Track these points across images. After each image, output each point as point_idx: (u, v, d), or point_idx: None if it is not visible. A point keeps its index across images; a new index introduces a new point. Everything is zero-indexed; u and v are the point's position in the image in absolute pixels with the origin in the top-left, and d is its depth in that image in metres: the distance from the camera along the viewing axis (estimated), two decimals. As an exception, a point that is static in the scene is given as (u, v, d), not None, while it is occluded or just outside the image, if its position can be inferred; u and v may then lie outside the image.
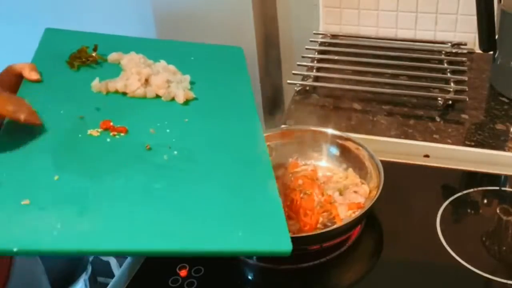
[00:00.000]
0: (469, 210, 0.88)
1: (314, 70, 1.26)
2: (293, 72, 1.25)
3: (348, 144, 0.91)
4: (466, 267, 0.76)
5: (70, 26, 1.14)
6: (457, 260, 0.77)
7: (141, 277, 0.79)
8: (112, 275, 1.50)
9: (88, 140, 0.74)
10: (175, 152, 0.76)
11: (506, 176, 0.93)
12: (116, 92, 0.89)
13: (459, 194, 0.89)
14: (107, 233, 0.62)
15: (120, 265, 0.83)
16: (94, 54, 0.98)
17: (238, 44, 1.46)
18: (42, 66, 0.86)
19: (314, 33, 1.41)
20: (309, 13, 1.43)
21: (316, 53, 1.33)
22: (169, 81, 0.92)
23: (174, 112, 0.83)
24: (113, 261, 1.81)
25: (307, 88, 1.21)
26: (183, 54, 1.06)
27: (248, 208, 0.72)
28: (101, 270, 1.78)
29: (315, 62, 1.30)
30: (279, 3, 1.47)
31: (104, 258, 1.80)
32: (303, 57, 1.31)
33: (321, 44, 1.37)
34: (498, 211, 0.86)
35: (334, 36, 1.40)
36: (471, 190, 0.90)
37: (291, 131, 0.98)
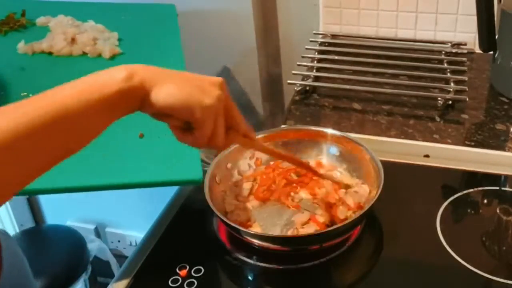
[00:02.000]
0: (469, 210, 0.88)
1: (314, 70, 1.26)
2: (293, 72, 1.25)
3: (348, 144, 0.91)
4: (466, 267, 0.76)
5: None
6: (457, 260, 0.77)
7: (141, 277, 0.79)
8: (112, 275, 1.51)
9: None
10: None
11: (506, 176, 0.93)
12: (42, 52, 0.92)
13: (459, 194, 0.89)
14: None
15: (120, 265, 0.83)
16: (22, 19, 1.00)
17: (238, 43, 1.47)
18: None
19: (314, 33, 1.41)
20: (309, 13, 1.43)
21: (316, 53, 1.33)
22: (95, 38, 0.94)
23: (100, 67, 0.85)
24: (113, 261, 1.81)
25: (307, 88, 1.21)
26: (114, 14, 1.09)
27: (162, 143, 0.80)
28: (101, 270, 1.78)
29: (315, 62, 1.30)
30: (279, 3, 1.47)
31: (104, 258, 1.80)
32: (303, 57, 1.31)
33: (321, 44, 1.37)
34: (498, 211, 0.86)
35: (334, 36, 1.40)
36: (471, 190, 0.90)
37: (291, 131, 0.97)
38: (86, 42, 0.93)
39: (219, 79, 0.63)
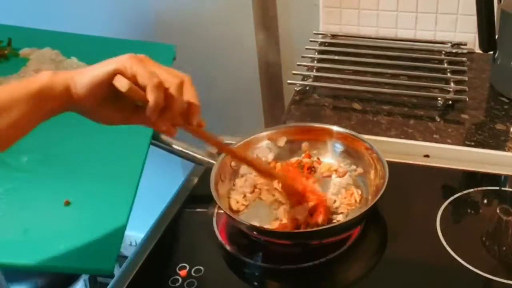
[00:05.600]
0: (469, 210, 0.88)
1: (314, 70, 1.26)
2: (293, 72, 1.25)
3: (353, 142, 0.91)
4: (466, 267, 0.76)
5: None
6: (457, 260, 0.77)
7: (141, 277, 0.79)
8: (112, 275, 1.50)
9: None
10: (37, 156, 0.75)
11: (506, 176, 0.93)
12: None
13: (459, 194, 0.89)
14: None
15: (120, 265, 0.83)
16: (6, 49, 0.97)
17: (238, 44, 1.47)
18: None
19: (314, 33, 1.41)
20: (309, 13, 1.43)
21: (316, 53, 1.33)
22: None
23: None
24: (113, 261, 1.80)
25: (307, 88, 1.21)
26: (108, 49, 1.06)
27: (83, 221, 0.74)
28: (101, 270, 1.77)
29: (315, 62, 1.30)
30: (279, 3, 1.47)
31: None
32: (303, 57, 1.31)
33: (321, 44, 1.37)
34: (498, 211, 0.86)
35: (334, 36, 1.40)
36: (471, 190, 0.90)
37: (295, 128, 0.96)
38: None
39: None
